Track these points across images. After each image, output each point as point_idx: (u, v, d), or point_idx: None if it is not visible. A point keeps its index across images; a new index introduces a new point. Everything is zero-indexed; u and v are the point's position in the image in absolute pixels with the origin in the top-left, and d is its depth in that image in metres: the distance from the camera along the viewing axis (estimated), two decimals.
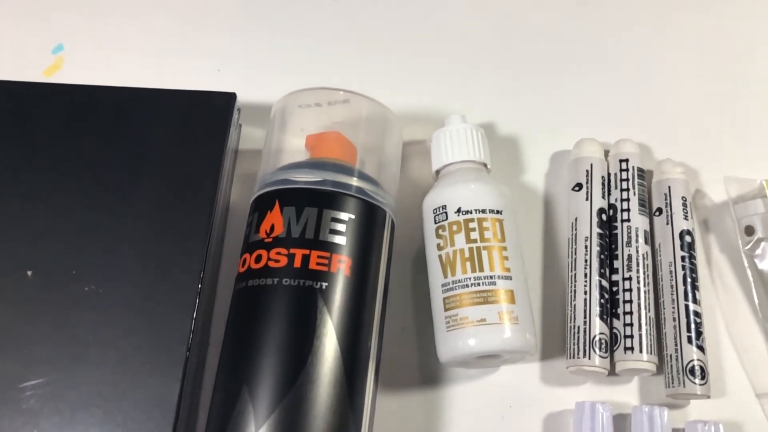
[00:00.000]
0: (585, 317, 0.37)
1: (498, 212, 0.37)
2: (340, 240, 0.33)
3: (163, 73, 0.46)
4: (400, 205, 0.40)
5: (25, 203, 0.38)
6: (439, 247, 0.37)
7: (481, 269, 0.35)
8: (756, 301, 0.39)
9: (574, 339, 0.37)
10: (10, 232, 0.37)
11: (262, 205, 0.35)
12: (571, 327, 0.37)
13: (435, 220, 0.37)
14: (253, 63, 0.47)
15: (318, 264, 0.32)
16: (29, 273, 0.36)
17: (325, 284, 0.32)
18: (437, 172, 0.40)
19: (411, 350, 0.39)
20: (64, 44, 0.47)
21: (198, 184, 0.38)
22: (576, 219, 0.40)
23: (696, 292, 0.38)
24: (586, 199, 0.40)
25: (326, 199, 0.34)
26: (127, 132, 0.40)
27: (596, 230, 0.39)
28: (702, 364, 0.36)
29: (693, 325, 0.37)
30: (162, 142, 0.39)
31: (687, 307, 0.37)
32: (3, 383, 0.34)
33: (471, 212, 0.36)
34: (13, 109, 0.40)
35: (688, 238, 0.39)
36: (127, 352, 0.34)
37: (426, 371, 0.38)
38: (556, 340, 0.39)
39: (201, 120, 0.40)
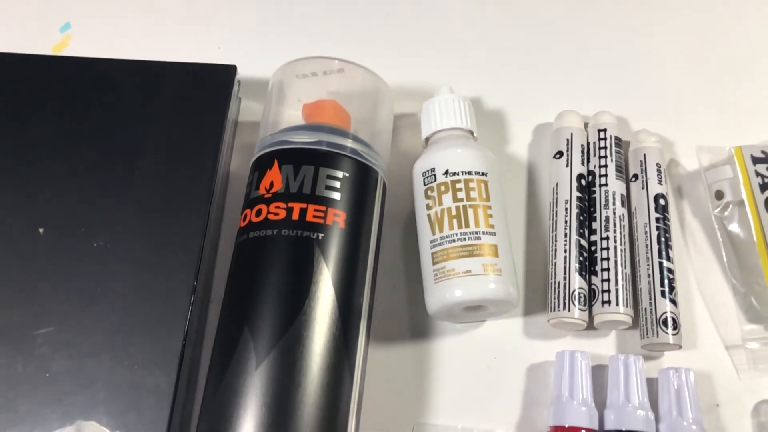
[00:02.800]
0: (565, 273, 0.39)
1: (483, 174, 0.39)
2: (335, 195, 0.35)
3: (166, 51, 0.48)
4: (392, 173, 0.42)
5: (37, 167, 0.40)
6: (428, 207, 0.39)
7: (467, 225, 0.37)
8: (725, 260, 0.41)
9: (554, 294, 0.39)
10: (23, 194, 0.39)
11: (261, 165, 0.37)
12: (552, 283, 0.40)
13: (424, 183, 0.39)
14: (253, 41, 0.49)
15: (315, 216, 0.35)
16: (41, 230, 0.38)
17: (321, 235, 0.34)
18: (427, 139, 0.42)
19: (401, 306, 0.41)
20: (71, 22, 0.49)
21: (200, 151, 0.41)
22: (557, 184, 0.42)
23: (669, 250, 0.40)
24: (567, 166, 0.42)
25: (322, 158, 0.36)
26: (132, 102, 0.42)
27: (576, 194, 0.41)
28: (674, 316, 0.38)
29: (666, 281, 0.39)
30: (166, 111, 0.42)
31: (661, 264, 0.40)
32: (17, 331, 0.36)
33: (458, 174, 0.39)
34: (25, 80, 0.42)
35: (662, 201, 0.41)
36: (133, 303, 0.37)
37: (416, 326, 0.41)
38: (538, 299, 0.41)
39: (203, 91, 0.43)
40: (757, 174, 0.42)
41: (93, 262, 0.37)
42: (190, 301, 0.37)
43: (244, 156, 0.45)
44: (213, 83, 0.43)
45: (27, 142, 0.40)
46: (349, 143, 0.37)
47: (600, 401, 0.38)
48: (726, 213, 0.42)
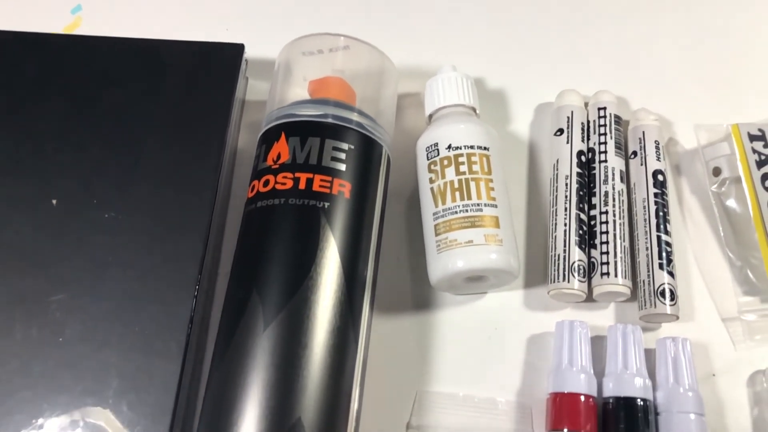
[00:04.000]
0: (565, 246, 0.40)
1: (485, 149, 0.40)
2: (340, 166, 0.36)
3: (174, 33, 0.49)
4: (396, 152, 0.43)
5: (50, 143, 0.41)
6: (431, 181, 0.40)
7: (469, 198, 0.38)
8: (722, 234, 0.42)
9: (554, 266, 0.40)
10: (37, 167, 0.40)
11: (269, 138, 0.38)
12: (552, 256, 0.41)
13: (428, 157, 0.40)
14: (260, 23, 0.50)
15: (321, 186, 0.36)
16: (54, 202, 0.39)
17: (327, 204, 0.35)
18: (430, 116, 0.43)
19: (405, 279, 0.42)
20: (82, 5, 0.50)
21: (209, 127, 0.42)
22: (557, 160, 0.43)
23: (667, 224, 0.41)
24: (567, 143, 0.43)
25: (328, 130, 0.37)
26: (142, 80, 0.43)
27: (576, 170, 0.42)
28: (672, 288, 0.39)
29: (664, 254, 0.40)
30: (175, 88, 0.43)
31: (659, 237, 0.40)
32: (31, 297, 0.37)
33: (460, 148, 0.40)
34: (38, 58, 0.43)
35: (660, 177, 0.42)
36: (144, 272, 0.38)
37: (418, 298, 0.42)
38: (538, 273, 0.42)
39: (211, 69, 0.43)
40: (754, 151, 0.43)
41: (104, 232, 0.38)
42: (199, 269, 0.38)
43: (251, 134, 0.46)
44: (221, 61, 0.44)
45: (40, 119, 0.41)
46: (354, 117, 0.38)
47: (599, 371, 0.39)
48: (723, 189, 0.43)
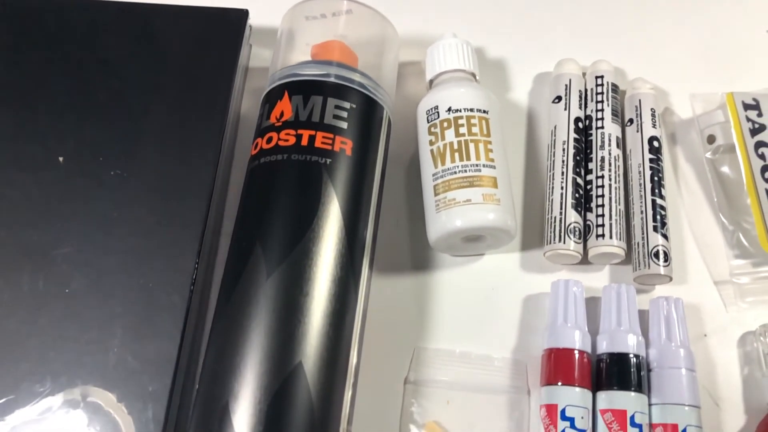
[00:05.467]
0: (561, 208, 0.41)
1: (484, 112, 0.41)
2: (342, 124, 0.37)
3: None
4: (396, 118, 0.44)
5: (58, 103, 0.41)
6: (431, 143, 0.41)
7: (468, 158, 0.39)
8: (715, 200, 0.43)
9: (550, 228, 0.41)
10: (44, 126, 0.41)
11: (272, 97, 0.39)
12: (548, 218, 0.41)
13: (428, 120, 0.41)
14: None
15: (323, 143, 0.36)
16: (60, 159, 0.40)
17: (329, 160, 0.36)
18: (431, 82, 0.44)
19: (404, 241, 0.43)
20: None
21: (213, 88, 0.42)
22: (555, 127, 0.44)
23: (662, 188, 0.42)
24: (565, 109, 0.44)
25: (330, 89, 0.38)
26: (148, 43, 0.44)
27: (573, 135, 0.43)
28: (665, 249, 0.40)
29: (659, 216, 0.41)
30: (180, 52, 0.43)
31: (654, 201, 0.41)
32: (38, 250, 0.38)
33: (460, 110, 0.40)
34: (46, 19, 0.44)
35: (655, 144, 0.43)
36: (148, 228, 0.38)
37: (417, 259, 0.42)
38: (535, 236, 0.43)
39: (216, 34, 0.44)
40: (748, 119, 0.43)
41: (110, 188, 0.39)
42: (202, 226, 0.38)
43: (254, 100, 0.46)
44: (225, 26, 0.44)
45: (49, 80, 0.42)
46: (356, 77, 0.39)
47: (593, 330, 0.39)
48: (717, 156, 0.44)
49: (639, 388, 0.37)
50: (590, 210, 0.42)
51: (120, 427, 0.34)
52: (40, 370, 0.35)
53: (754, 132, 0.43)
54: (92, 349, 0.36)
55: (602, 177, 0.42)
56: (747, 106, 0.44)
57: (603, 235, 0.41)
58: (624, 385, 0.37)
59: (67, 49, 0.43)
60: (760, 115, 0.44)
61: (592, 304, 0.41)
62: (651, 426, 0.37)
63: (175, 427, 0.35)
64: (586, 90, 0.45)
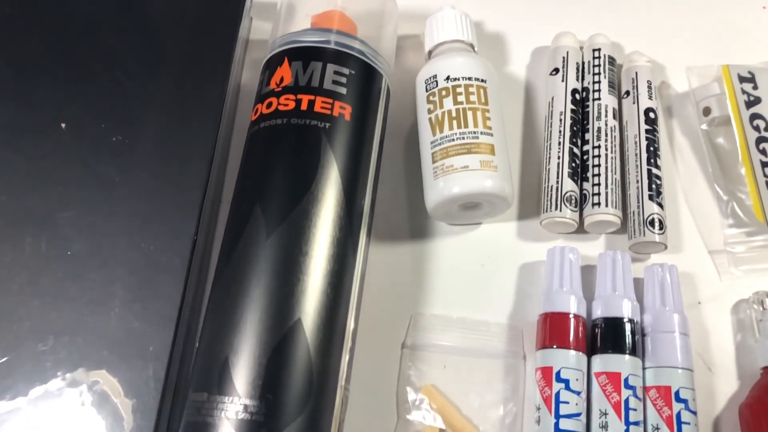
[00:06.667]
0: (558, 177, 0.42)
1: (483, 81, 0.41)
2: (341, 90, 0.38)
3: None
4: (396, 90, 0.44)
5: (61, 69, 0.42)
6: (429, 111, 0.41)
7: (466, 126, 0.40)
8: (710, 171, 0.43)
9: (547, 197, 0.41)
10: (46, 92, 0.41)
11: (272, 64, 0.39)
12: (545, 187, 0.42)
13: (426, 89, 0.42)
14: None
15: (322, 107, 0.37)
16: (63, 125, 0.40)
17: (328, 125, 0.37)
18: (429, 52, 0.44)
19: (402, 209, 0.43)
20: None
21: (213, 61, 0.43)
22: (552, 98, 0.44)
23: (657, 158, 0.42)
24: (562, 81, 0.44)
25: (330, 55, 0.38)
26: (151, 13, 0.44)
27: (570, 107, 0.44)
28: (660, 218, 0.41)
29: (654, 186, 0.41)
30: (181, 23, 0.44)
31: (650, 170, 0.42)
32: (41, 214, 0.38)
33: (458, 79, 0.41)
34: None
35: (651, 115, 0.43)
36: (149, 192, 0.39)
37: (415, 227, 0.43)
38: (531, 206, 0.43)
39: (216, 6, 0.44)
40: (743, 92, 0.44)
41: (112, 154, 0.40)
42: (203, 191, 0.39)
43: (254, 72, 0.47)
44: None
45: (51, 47, 0.42)
46: (356, 44, 0.39)
47: (589, 298, 0.40)
48: (712, 128, 0.44)
49: (633, 352, 0.37)
50: (587, 180, 0.42)
51: (120, 385, 0.35)
52: (43, 330, 0.35)
53: (749, 104, 0.43)
54: (93, 309, 0.36)
55: (598, 147, 0.43)
56: (742, 79, 0.44)
57: (599, 204, 0.41)
58: (618, 348, 0.37)
59: (70, 18, 0.43)
60: (755, 87, 0.44)
61: (588, 273, 0.41)
62: (645, 389, 0.37)
63: (175, 385, 0.36)
64: (583, 63, 0.46)
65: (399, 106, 0.45)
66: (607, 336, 0.38)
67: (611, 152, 0.42)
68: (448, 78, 0.41)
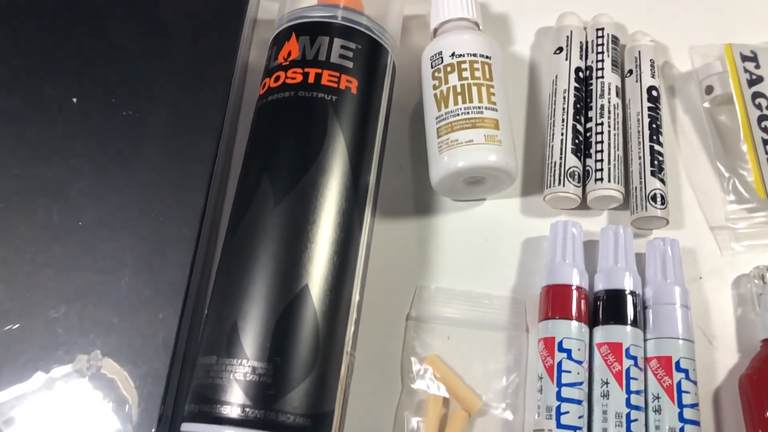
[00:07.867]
0: (561, 153, 0.42)
1: (487, 57, 0.42)
2: (348, 64, 0.38)
3: None
4: (401, 69, 0.45)
5: (72, 47, 0.42)
6: (435, 87, 0.42)
7: (471, 101, 0.40)
8: (712, 148, 0.44)
9: (550, 172, 0.42)
10: (58, 68, 0.42)
11: (279, 39, 0.40)
12: (548, 164, 0.42)
13: (432, 65, 0.42)
14: None
15: (329, 81, 0.37)
16: (74, 100, 0.41)
17: (335, 98, 0.37)
18: (435, 31, 0.45)
19: (407, 185, 0.44)
20: None
21: (221, 39, 0.43)
22: (556, 76, 0.45)
23: (660, 135, 0.43)
24: (566, 59, 0.45)
25: (337, 30, 0.39)
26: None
27: (573, 84, 0.44)
28: (662, 193, 0.41)
29: (656, 162, 0.42)
30: (189, 1, 0.44)
31: (652, 147, 0.42)
32: (52, 186, 0.39)
33: (464, 55, 0.41)
34: None
35: (654, 93, 0.44)
36: (159, 165, 0.39)
37: (419, 203, 0.43)
38: (535, 184, 0.44)
39: None
40: (746, 70, 0.44)
41: (122, 127, 0.40)
42: (212, 164, 0.39)
43: (262, 50, 0.47)
44: None
45: (64, 26, 0.43)
46: (363, 20, 0.40)
47: (591, 271, 0.40)
48: (715, 106, 0.45)
49: (635, 324, 0.38)
50: (590, 156, 0.43)
51: (130, 351, 0.35)
52: (55, 296, 0.36)
53: (751, 83, 0.44)
54: (104, 278, 0.37)
55: (601, 124, 0.43)
56: (745, 58, 0.45)
57: (601, 179, 0.41)
58: (620, 320, 0.38)
59: (81, 8, 0.44)
60: (758, 66, 0.44)
61: (591, 248, 0.42)
62: (646, 359, 0.38)
63: (184, 352, 0.36)
64: (586, 42, 0.46)
65: (404, 86, 0.45)
66: (609, 308, 0.38)
67: (614, 129, 0.43)
68: (453, 54, 0.41)
